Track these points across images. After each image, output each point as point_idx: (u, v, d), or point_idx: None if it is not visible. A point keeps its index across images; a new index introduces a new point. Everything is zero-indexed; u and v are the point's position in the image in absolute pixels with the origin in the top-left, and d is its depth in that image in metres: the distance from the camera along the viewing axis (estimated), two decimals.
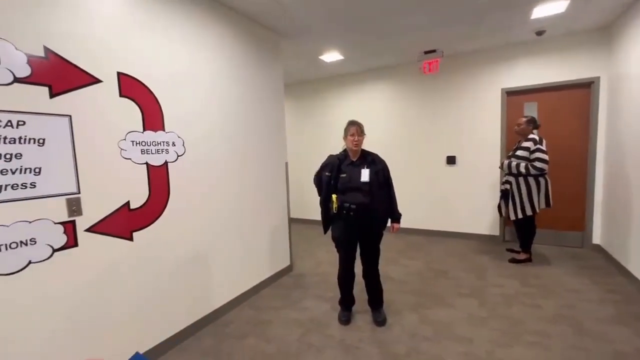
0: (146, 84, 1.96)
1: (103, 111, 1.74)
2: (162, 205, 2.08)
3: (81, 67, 1.64)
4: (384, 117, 4.81)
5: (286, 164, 3.38)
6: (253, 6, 2.60)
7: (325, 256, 3.87)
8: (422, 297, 2.75)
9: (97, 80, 1.71)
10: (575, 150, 3.76)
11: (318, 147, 5.30)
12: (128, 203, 1.87)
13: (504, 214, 3.42)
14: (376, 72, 4.80)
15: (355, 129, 2.22)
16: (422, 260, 3.65)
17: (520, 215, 3.22)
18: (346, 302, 2.46)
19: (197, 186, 2.34)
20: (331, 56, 4.05)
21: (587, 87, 3.65)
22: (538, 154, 3.04)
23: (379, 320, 2.35)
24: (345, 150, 2.36)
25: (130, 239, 1.89)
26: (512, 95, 4.00)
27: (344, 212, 2.23)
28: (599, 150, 3.61)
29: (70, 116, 1.59)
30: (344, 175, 2.26)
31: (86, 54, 1.66)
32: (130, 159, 1.88)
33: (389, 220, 2.38)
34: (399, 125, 4.73)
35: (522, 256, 3.41)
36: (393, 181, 2.36)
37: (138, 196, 1.93)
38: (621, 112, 3.12)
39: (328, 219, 2.38)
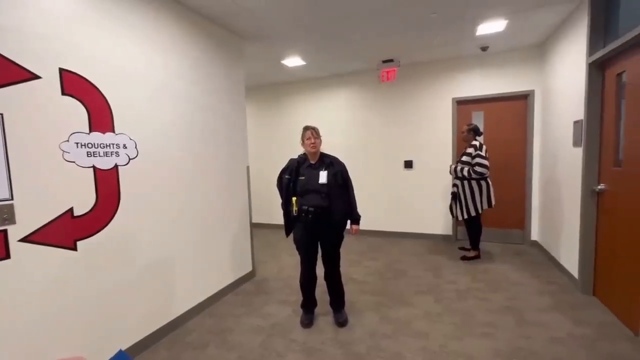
0: (94, 82, 1.83)
1: (42, 110, 1.59)
2: (111, 212, 1.94)
3: (16, 61, 1.49)
4: (345, 122, 4.93)
5: (248, 167, 3.33)
6: (212, 7, 2.55)
7: (288, 260, 3.85)
8: (383, 296, 2.84)
9: (35, 76, 1.56)
10: (516, 155, 4.15)
11: (281, 151, 5.27)
12: (71, 210, 1.72)
13: (454, 214, 3.67)
14: (338, 78, 4.92)
15: (310, 132, 2.29)
16: (383, 260, 3.77)
17: (466, 216, 3.50)
18: (308, 304, 2.46)
19: (152, 191, 2.22)
20: (293, 61, 4.08)
21: (524, 99, 4.05)
22: (478, 160, 3.33)
23: (341, 321, 2.38)
24: (304, 154, 2.39)
25: (74, 248, 1.74)
26: (462, 104, 4.31)
27: (303, 214, 2.25)
28: (535, 156, 4.01)
29: (2, 114, 1.44)
30: (302, 177, 2.30)
31: (22, 47, 1.51)
32: (74, 162, 1.73)
33: (349, 222, 2.43)
34: (360, 130, 4.87)
35: (472, 253, 3.67)
36: (353, 184, 2.43)
37: (83, 202, 1.78)
38: (551, 122, 3.51)
39: (289, 222, 2.38)
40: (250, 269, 3.35)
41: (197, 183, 2.64)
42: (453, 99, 4.31)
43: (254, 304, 2.78)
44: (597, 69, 2.56)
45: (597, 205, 2.60)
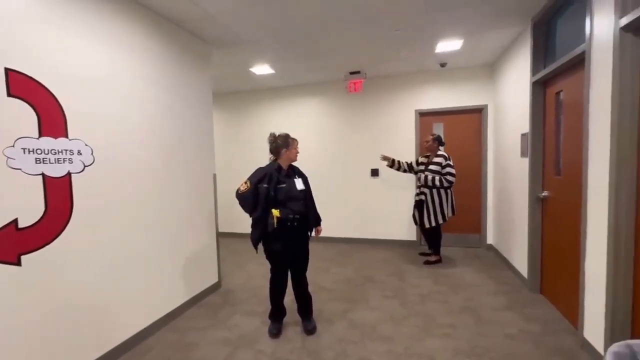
0: (45, 84, 1.72)
1: None
2: (62, 223, 1.81)
3: None
4: (314, 131, 5.00)
5: (214, 175, 3.25)
6: (178, 12, 2.50)
7: (255, 270, 3.79)
8: (350, 302, 2.89)
9: None
10: (473, 165, 4.44)
11: (249, 159, 5.21)
12: (16, 221, 1.58)
13: (418, 222, 3.82)
14: (307, 87, 4.99)
15: (297, 142, 2.39)
16: (351, 267, 3.83)
17: (434, 223, 3.64)
18: (277, 314, 2.44)
19: (110, 200, 2.09)
20: (262, 69, 4.09)
21: (479, 112, 4.37)
22: (449, 169, 3.52)
23: (309, 328, 2.38)
24: (275, 162, 2.37)
25: (18, 263, 1.59)
26: (424, 116, 4.56)
27: (288, 223, 2.23)
28: (489, 165, 4.33)
29: None
30: (283, 185, 2.26)
31: None
32: (20, 169, 1.60)
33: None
34: (328, 139, 4.96)
35: (434, 258, 3.84)
36: (319, 193, 2.60)
37: (30, 213, 1.65)
38: (502, 134, 3.82)
39: (266, 235, 2.25)
40: (215, 279, 3.25)
41: (161, 191, 2.54)
42: (416, 110, 4.54)
43: (219, 316, 2.69)
44: (540, 88, 2.84)
45: (542, 210, 2.86)
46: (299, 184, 2.32)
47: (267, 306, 2.50)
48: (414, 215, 3.87)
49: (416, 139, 4.56)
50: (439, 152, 3.63)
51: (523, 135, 3.10)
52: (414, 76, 4.51)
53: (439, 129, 4.52)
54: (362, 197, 4.85)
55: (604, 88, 1.83)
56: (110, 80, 2.11)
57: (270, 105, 5.21)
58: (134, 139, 2.29)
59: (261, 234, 2.24)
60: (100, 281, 2.03)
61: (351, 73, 4.33)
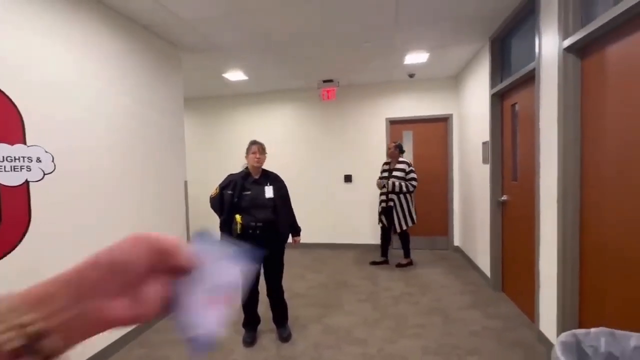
0: (1, 88, 1.62)
1: None
2: (18, 235, 1.70)
3: None
4: (289, 138, 5.03)
5: (185, 182, 3.17)
6: (147, 16, 2.45)
7: None
8: (325, 308, 2.92)
9: None
10: (440, 170, 4.67)
11: (222, 165, 5.11)
12: None
13: (388, 227, 3.90)
14: (280, 94, 5.01)
15: (257, 147, 2.32)
16: (326, 272, 3.87)
17: (404, 227, 3.78)
18: (251, 322, 2.41)
19: (72, 210, 1.99)
20: (235, 75, 4.07)
21: (445, 121, 4.62)
22: (413, 174, 3.71)
23: (284, 336, 2.38)
24: (246, 169, 2.39)
25: None
26: (394, 124, 4.74)
27: (250, 231, 2.23)
28: (455, 171, 4.57)
29: None
30: (248, 192, 2.28)
31: None
32: None
33: (290, 236, 2.49)
34: (302, 145, 5.01)
35: (405, 261, 3.97)
36: (293, 199, 2.52)
37: None
38: (465, 142, 4.06)
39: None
40: None
41: (128, 199, 2.44)
42: (386, 118, 4.71)
43: None
44: (498, 100, 3.07)
45: (502, 213, 3.07)
46: (268, 192, 2.31)
47: (240, 315, 2.47)
48: (381, 221, 3.97)
49: (386, 146, 4.72)
50: (401, 159, 3.81)
51: (484, 143, 3.32)
52: (385, 86, 4.68)
53: (408, 137, 4.71)
54: (336, 202, 4.93)
55: (551, 103, 2.02)
56: (74, 84, 2.02)
57: (245, 111, 5.18)
58: (100, 145, 2.20)
59: (227, 237, 2.26)
60: None
61: (324, 81, 4.42)
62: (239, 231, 2.22)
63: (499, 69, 3.06)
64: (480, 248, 3.59)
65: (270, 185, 2.34)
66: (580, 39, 1.74)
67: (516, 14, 2.55)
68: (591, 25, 1.65)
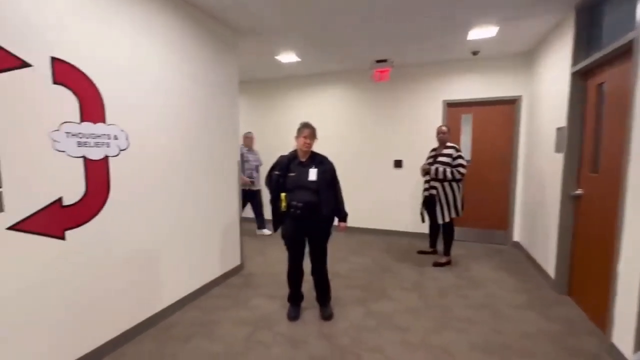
0: (86, 72, 1.83)
1: (32, 98, 1.59)
2: (100, 202, 1.95)
3: (7, 48, 1.48)
4: (338, 120, 4.98)
5: (238, 162, 3.34)
6: (211, 2, 2.55)
7: (276, 255, 3.90)
8: (368, 292, 2.92)
9: (25, 64, 1.56)
10: (502, 157, 4.26)
11: (273, 146, 5.27)
12: (60, 199, 1.73)
13: (430, 219, 3.64)
14: (332, 76, 4.94)
15: (308, 131, 2.32)
16: (370, 257, 3.86)
17: (447, 219, 3.41)
18: (295, 298, 2.52)
19: (142, 182, 2.23)
20: (288, 57, 4.09)
21: (512, 104, 4.16)
22: (461, 161, 3.31)
23: (326, 315, 2.45)
24: (295, 151, 2.42)
25: (62, 237, 1.75)
26: (452, 107, 4.40)
27: (292, 210, 2.30)
28: (520, 158, 4.13)
29: None
30: (292, 174, 2.34)
31: (14, 35, 1.50)
32: (64, 151, 1.74)
33: (336, 219, 2.48)
34: (352, 128, 4.92)
35: (444, 259, 3.56)
36: (342, 182, 2.49)
37: (73, 192, 1.79)
38: (536, 127, 3.62)
39: (278, 217, 2.42)
40: (238, 262, 3.39)
41: (188, 175, 2.66)
42: (444, 101, 4.39)
43: (241, 297, 2.82)
44: (580, 79, 2.66)
45: (575, 209, 2.72)
46: (312, 175, 2.31)
47: (286, 290, 2.58)
48: (422, 213, 3.67)
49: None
50: (449, 144, 3.43)
51: (559, 129, 2.93)
52: (443, 65, 4.34)
53: (467, 120, 4.36)
54: (384, 188, 4.81)
55: None
56: (141, 69, 2.20)
57: (296, 93, 5.22)
58: (164, 125, 2.40)
59: (275, 215, 2.42)
60: (131, 258, 2.18)
61: (377, 61, 4.23)
62: (283, 209, 2.34)
63: (584, 42, 2.63)
64: (544, 245, 3.25)
65: (315, 167, 2.34)
66: None
67: None
68: None
